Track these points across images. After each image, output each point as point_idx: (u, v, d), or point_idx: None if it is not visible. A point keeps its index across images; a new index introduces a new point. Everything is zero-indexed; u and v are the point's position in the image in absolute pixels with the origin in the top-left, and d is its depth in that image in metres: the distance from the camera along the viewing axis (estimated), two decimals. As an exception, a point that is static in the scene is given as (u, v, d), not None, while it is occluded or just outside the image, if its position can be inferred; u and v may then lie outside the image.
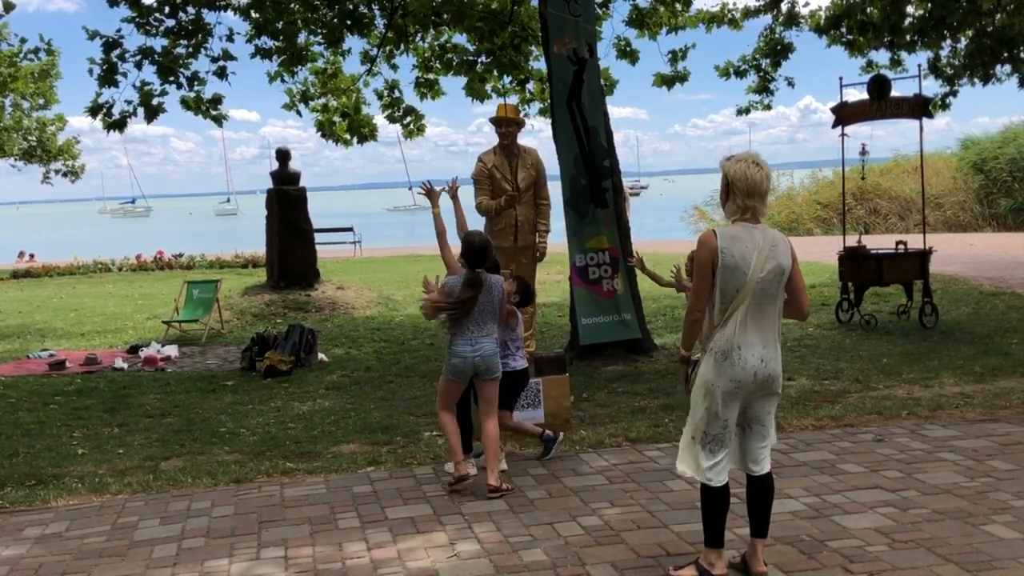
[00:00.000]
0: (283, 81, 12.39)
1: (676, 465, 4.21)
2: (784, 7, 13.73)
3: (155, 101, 10.02)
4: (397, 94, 13.37)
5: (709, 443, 4.01)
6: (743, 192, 3.95)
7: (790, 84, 14.58)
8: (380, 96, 13.43)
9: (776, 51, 14.03)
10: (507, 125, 8.23)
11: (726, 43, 17.08)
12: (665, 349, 9.84)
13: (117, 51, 9.94)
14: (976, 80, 14.27)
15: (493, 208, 8.13)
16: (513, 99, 12.60)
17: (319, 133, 13.62)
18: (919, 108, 11.09)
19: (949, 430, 6.47)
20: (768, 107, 14.75)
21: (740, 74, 14.42)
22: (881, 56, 14.30)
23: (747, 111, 14.89)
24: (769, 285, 3.94)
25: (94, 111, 10.13)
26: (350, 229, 29.06)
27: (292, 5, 10.94)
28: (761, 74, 14.33)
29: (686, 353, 4.16)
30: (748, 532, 4.21)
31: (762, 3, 13.69)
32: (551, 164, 8.85)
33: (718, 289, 3.94)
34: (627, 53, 13.43)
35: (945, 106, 14.87)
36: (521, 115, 9.13)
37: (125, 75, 10.00)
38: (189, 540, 4.98)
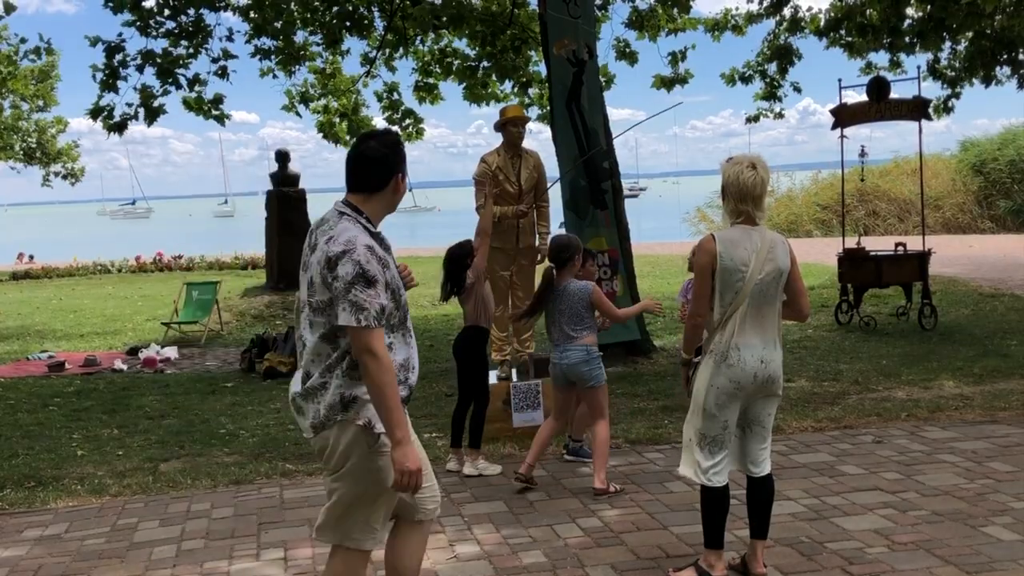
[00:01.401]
0: (275, 77, 12.38)
1: (679, 469, 4.21)
2: (787, 12, 13.75)
3: (155, 103, 10.04)
4: (396, 96, 13.39)
5: (708, 444, 4.02)
6: (735, 196, 3.97)
7: (797, 90, 14.58)
8: (380, 99, 13.45)
9: (782, 56, 14.04)
10: (519, 125, 8.23)
11: (728, 47, 17.09)
12: (664, 351, 9.84)
13: (119, 55, 9.95)
14: (977, 81, 14.26)
15: (498, 215, 8.13)
16: (513, 102, 12.62)
17: (320, 134, 13.64)
18: (918, 110, 11.10)
19: (948, 432, 6.48)
20: (780, 115, 14.72)
21: (746, 80, 14.42)
22: (880, 58, 14.33)
23: (756, 119, 14.88)
24: (768, 287, 3.95)
25: (95, 114, 10.13)
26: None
27: (291, 5, 10.95)
28: (768, 80, 14.32)
29: (687, 356, 4.17)
30: (748, 534, 4.22)
31: (764, 8, 13.71)
32: (551, 165, 8.86)
33: (717, 292, 3.96)
34: (626, 54, 13.44)
35: (948, 109, 14.84)
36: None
37: (126, 79, 10.02)
38: (188, 542, 4.98)
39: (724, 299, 3.96)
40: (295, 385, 3.25)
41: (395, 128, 13.55)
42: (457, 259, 5.98)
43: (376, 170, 3.19)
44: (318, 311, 3.12)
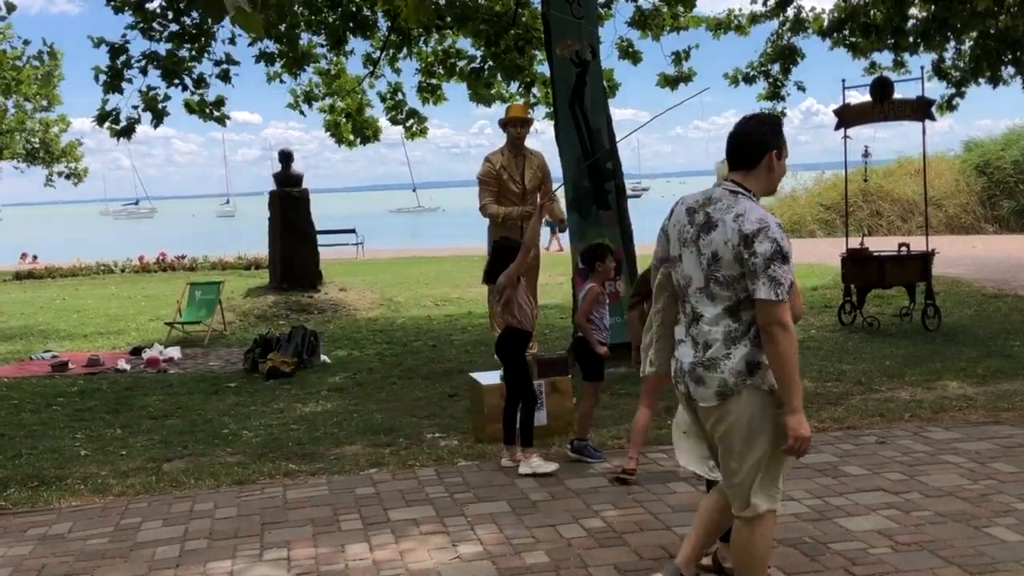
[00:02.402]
0: (282, 82, 12.43)
1: (684, 467, 4.23)
2: (791, 12, 13.75)
3: (160, 105, 10.05)
4: (400, 96, 13.40)
5: (696, 433, 4.06)
6: None
7: (801, 89, 14.58)
8: (383, 99, 13.46)
9: (785, 56, 14.03)
10: (522, 125, 8.23)
11: (731, 47, 17.10)
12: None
13: (123, 57, 9.96)
14: (983, 81, 14.23)
15: (502, 215, 8.14)
16: (519, 102, 12.63)
17: (328, 133, 13.66)
18: (922, 110, 11.08)
19: (952, 432, 6.47)
20: (783, 114, 14.73)
21: (749, 80, 14.42)
22: (884, 58, 14.32)
23: None
24: None
25: (101, 119, 10.15)
26: (352, 231, 29.08)
27: (295, 7, 10.95)
28: (771, 80, 14.32)
29: None
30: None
31: (768, 8, 13.71)
32: (554, 165, 8.88)
33: None
34: (629, 54, 13.44)
35: (952, 107, 14.83)
36: (530, 115, 9.16)
37: (130, 81, 10.03)
38: (192, 541, 4.98)
39: None
40: (686, 356, 3.44)
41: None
42: (500, 251, 6.12)
43: (750, 147, 3.39)
44: (724, 285, 3.32)
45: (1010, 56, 13.78)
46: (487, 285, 6.38)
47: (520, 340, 6.07)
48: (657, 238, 3.67)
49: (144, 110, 10.07)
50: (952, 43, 13.93)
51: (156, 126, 10.13)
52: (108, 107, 10.13)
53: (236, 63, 10.45)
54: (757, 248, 3.21)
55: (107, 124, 10.14)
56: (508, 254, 6.07)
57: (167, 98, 10.11)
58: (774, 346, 3.24)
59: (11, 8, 10.38)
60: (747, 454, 3.38)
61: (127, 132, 10.18)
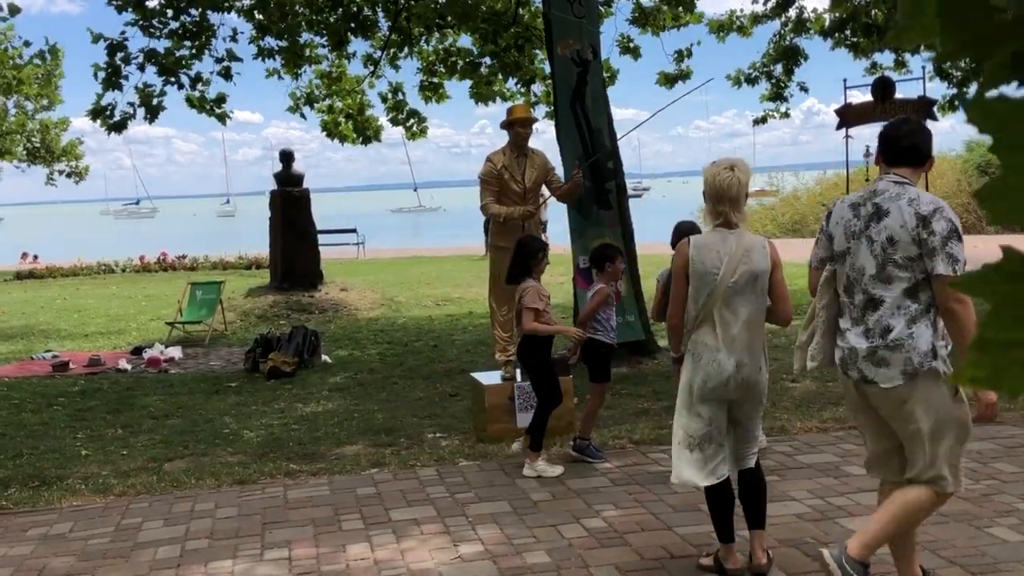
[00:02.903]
0: (280, 78, 12.41)
1: (671, 478, 4.25)
2: (792, 12, 13.74)
3: (155, 101, 10.04)
4: (401, 96, 13.40)
5: (698, 443, 4.10)
6: (712, 197, 4.07)
7: (803, 90, 14.57)
8: (384, 99, 13.46)
9: (788, 57, 14.03)
10: (526, 125, 8.24)
11: (731, 46, 17.07)
12: (668, 351, 9.81)
13: (121, 54, 9.95)
14: None
15: (504, 215, 8.14)
16: (520, 101, 12.62)
17: (324, 133, 13.65)
18: (923, 110, 11.08)
19: (953, 432, 6.46)
20: (787, 115, 14.72)
21: (752, 81, 14.41)
22: (885, 58, 14.32)
23: (764, 120, 14.87)
24: (742, 290, 4.01)
25: (95, 113, 10.14)
26: (353, 231, 29.07)
27: (296, 7, 10.96)
28: (773, 81, 14.31)
29: (675, 354, 4.32)
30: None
31: (769, 8, 13.70)
32: (555, 165, 8.87)
33: (691, 295, 4.09)
34: (630, 50, 13.45)
35: (954, 107, 14.81)
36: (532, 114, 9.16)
37: (127, 78, 10.02)
38: (193, 541, 4.98)
39: (698, 301, 4.07)
40: (860, 343, 3.57)
41: (400, 128, 13.64)
42: (524, 247, 6.10)
43: (922, 151, 3.66)
44: (902, 267, 3.50)
45: (1011, 56, 13.76)
46: (510, 286, 6.35)
47: (536, 343, 6.05)
48: (816, 241, 3.86)
49: (139, 105, 10.06)
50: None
51: (151, 121, 10.11)
52: (104, 102, 10.13)
53: (239, 59, 10.44)
54: (935, 227, 3.40)
55: (101, 119, 10.13)
56: (528, 252, 6.05)
57: (163, 93, 10.11)
58: (956, 322, 3.40)
59: (15, 11, 10.37)
60: (938, 433, 3.51)
61: (120, 127, 10.17)
